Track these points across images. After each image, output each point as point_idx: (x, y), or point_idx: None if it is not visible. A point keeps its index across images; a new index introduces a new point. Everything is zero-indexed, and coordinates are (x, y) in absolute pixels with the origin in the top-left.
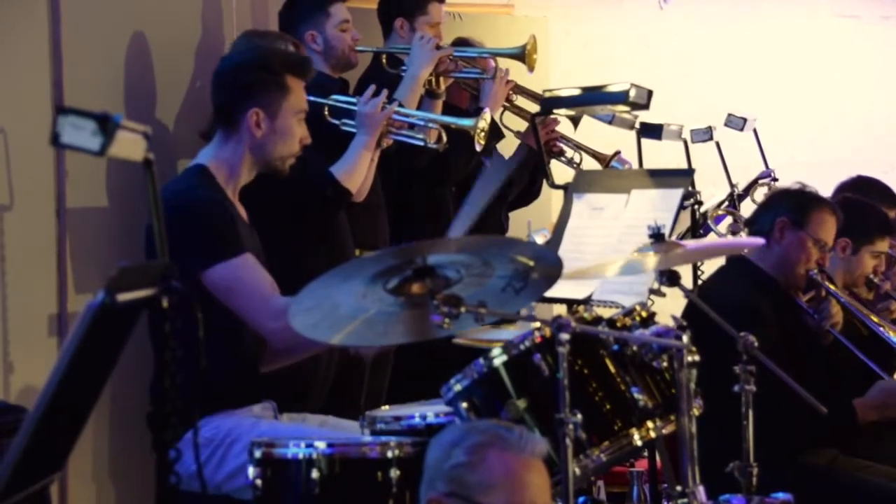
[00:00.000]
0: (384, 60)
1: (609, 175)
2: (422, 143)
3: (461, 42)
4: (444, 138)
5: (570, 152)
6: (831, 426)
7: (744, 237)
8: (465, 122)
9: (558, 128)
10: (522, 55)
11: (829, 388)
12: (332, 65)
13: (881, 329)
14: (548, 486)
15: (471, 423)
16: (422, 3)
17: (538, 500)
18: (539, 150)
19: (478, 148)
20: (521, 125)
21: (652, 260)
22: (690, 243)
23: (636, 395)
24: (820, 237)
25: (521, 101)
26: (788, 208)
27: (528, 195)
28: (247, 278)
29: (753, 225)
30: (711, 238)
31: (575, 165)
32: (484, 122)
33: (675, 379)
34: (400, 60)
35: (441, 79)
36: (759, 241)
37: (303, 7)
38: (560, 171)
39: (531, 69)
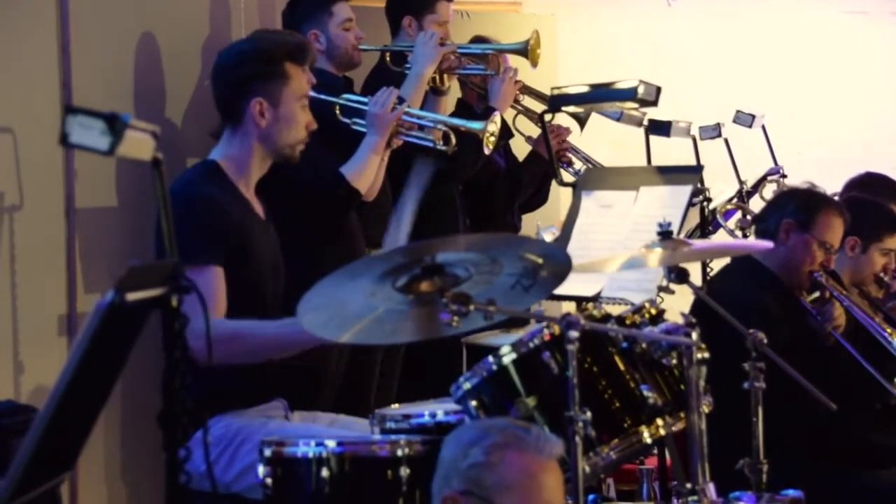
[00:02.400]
0: (388, 58)
1: (618, 172)
2: (431, 145)
3: (477, 40)
4: (453, 140)
5: (578, 164)
6: (838, 424)
7: (752, 239)
8: (475, 126)
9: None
10: (525, 51)
11: (831, 389)
12: (336, 64)
13: (884, 333)
14: (562, 485)
15: (488, 422)
16: (430, 1)
17: (553, 501)
18: (548, 148)
19: (486, 151)
20: (532, 129)
21: (660, 257)
22: (698, 243)
23: (646, 393)
24: (825, 240)
25: (528, 102)
26: (795, 209)
27: (535, 200)
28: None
29: (761, 223)
30: (721, 236)
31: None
32: (494, 126)
33: (684, 376)
34: (404, 58)
35: (446, 76)
36: (768, 244)
37: (305, 6)
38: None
39: (534, 65)
